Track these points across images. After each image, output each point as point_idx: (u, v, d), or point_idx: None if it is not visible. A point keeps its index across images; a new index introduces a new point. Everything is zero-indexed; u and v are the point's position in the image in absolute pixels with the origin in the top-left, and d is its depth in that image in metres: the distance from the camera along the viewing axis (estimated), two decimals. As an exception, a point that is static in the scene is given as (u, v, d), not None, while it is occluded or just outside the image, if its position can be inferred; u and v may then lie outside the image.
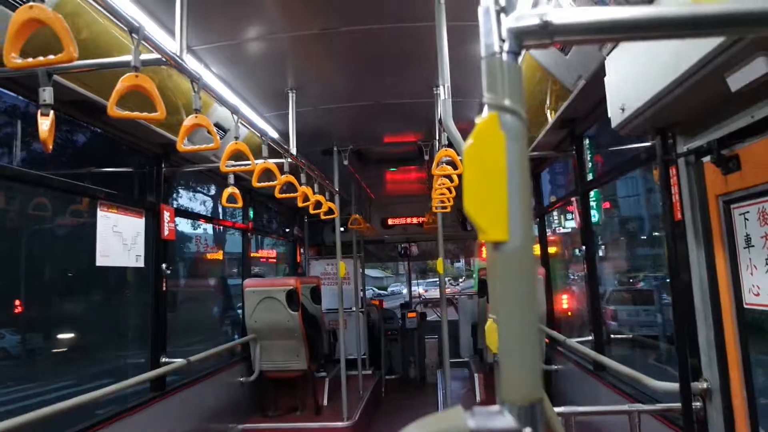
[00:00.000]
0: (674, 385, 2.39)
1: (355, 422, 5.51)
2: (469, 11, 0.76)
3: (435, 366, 8.80)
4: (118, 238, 3.64)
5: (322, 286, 7.01)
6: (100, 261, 3.48)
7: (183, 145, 2.55)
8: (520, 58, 0.68)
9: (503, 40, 0.65)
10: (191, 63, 3.29)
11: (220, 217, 8.67)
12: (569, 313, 6.21)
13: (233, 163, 3.46)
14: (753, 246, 1.94)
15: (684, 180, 2.35)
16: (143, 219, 3.96)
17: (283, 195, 3.94)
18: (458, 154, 3.40)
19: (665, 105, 1.95)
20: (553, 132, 4.13)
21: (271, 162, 3.59)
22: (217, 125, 3.94)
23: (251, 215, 6.68)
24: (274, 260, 11.67)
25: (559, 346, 5.17)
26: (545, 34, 0.66)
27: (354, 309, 8.04)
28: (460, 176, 3.41)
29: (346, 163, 5.85)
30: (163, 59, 2.22)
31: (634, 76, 2.08)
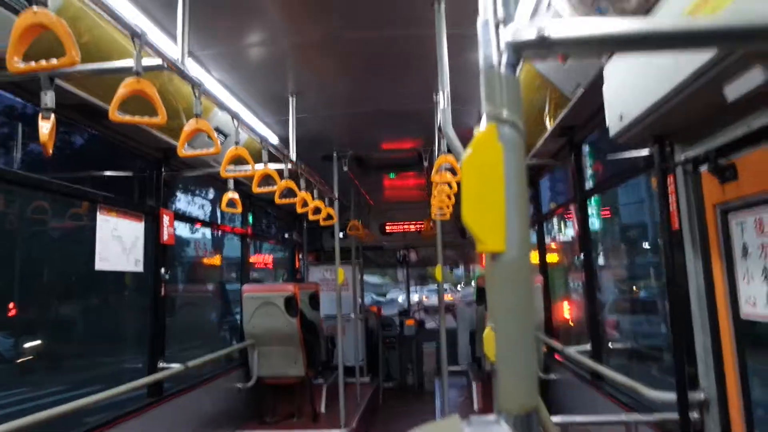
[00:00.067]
0: (671, 395, 2.39)
1: (353, 430, 5.50)
2: (469, 19, 0.77)
3: (433, 373, 8.78)
4: (118, 242, 3.64)
5: (320, 293, 7.00)
6: (99, 265, 3.48)
7: (184, 150, 2.56)
8: (518, 69, 0.69)
9: (502, 53, 0.66)
10: (192, 68, 3.30)
11: (220, 222, 8.66)
12: (570, 322, 6.21)
13: (233, 168, 3.47)
14: (750, 255, 1.94)
15: (681, 188, 2.36)
16: (143, 223, 3.96)
17: (283, 200, 3.95)
18: (458, 161, 3.41)
19: (663, 114, 1.96)
20: (552, 140, 4.14)
21: (271, 167, 3.60)
22: (217, 130, 3.95)
23: (250, 220, 6.69)
24: (273, 265, 11.67)
25: (557, 354, 5.17)
26: (543, 46, 0.67)
27: (352, 315, 8.03)
28: (459, 183, 3.42)
29: (345, 169, 5.85)
30: (165, 65, 2.23)
31: (632, 85, 2.09)
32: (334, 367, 6.78)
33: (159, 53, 2.18)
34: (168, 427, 4.07)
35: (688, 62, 1.63)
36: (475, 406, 6.24)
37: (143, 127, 3.44)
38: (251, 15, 3.08)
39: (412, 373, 9.33)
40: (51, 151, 2.21)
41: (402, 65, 3.83)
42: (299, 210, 4.28)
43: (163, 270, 4.21)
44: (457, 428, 0.60)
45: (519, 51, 0.67)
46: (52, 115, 2.22)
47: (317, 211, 4.58)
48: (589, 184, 4.54)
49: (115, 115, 2.02)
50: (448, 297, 17.57)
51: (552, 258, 6.79)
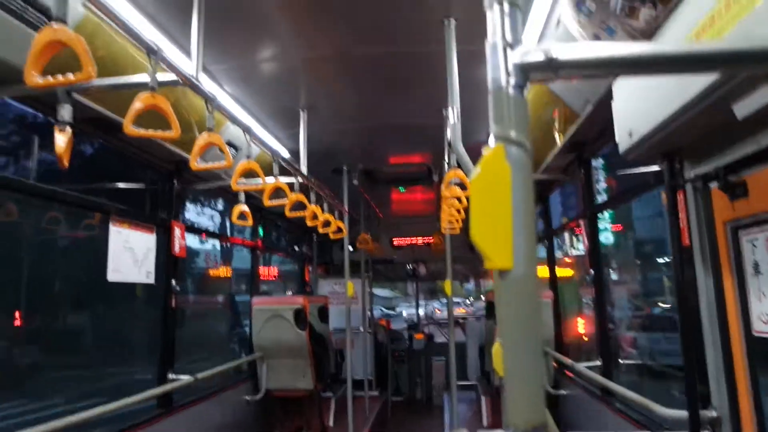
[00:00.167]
0: (683, 413, 2.36)
1: None
2: (479, 36, 0.79)
3: (442, 388, 8.73)
4: (130, 254, 3.67)
5: (330, 306, 7.01)
6: (112, 276, 3.51)
7: (196, 164, 2.59)
8: (526, 90, 0.71)
9: (510, 75, 0.68)
10: (206, 83, 3.35)
11: (230, 234, 8.69)
12: (584, 338, 6.16)
13: (244, 181, 3.50)
14: (761, 273, 1.93)
15: (692, 205, 2.36)
16: (154, 235, 3.99)
17: (294, 213, 3.98)
18: (467, 176, 3.42)
19: (672, 131, 1.96)
20: (561, 155, 4.14)
21: (282, 181, 3.63)
22: (229, 143, 4.00)
23: (261, 233, 6.72)
24: (282, 278, 11.69)
25: (567, 370, 5.13)
26: (550, 68, 0.69)
27: (361, 329, 8.02)
28: (468, 198, 3.43)
29: (355, 182, 5.88)
30: (180, 80, 2.27)
31: (641, 102, 2.09)
32: (342, 381, 6.77)
33: (174, 68, 2.22)
34: None
35: (698, 80, 1.64)
36: (485, 421, 6.20)
37: (156, 140, 3.49)
38: (263, 31, 3.13)
39: (421, 387, 9.28)
40: (67, 164, 2.25)
41: (412, 80, 3.87)
42: (309, 223, 4.30)
43: (174, 282, 4.24)
44: None
45: (527, 73, 0.68)
46: (69, 128, 2.26)
47: (327, 224, 4.60)
48: (602, 198, 4.53)
49: (129, 128, 2.05)
50: (460, 310, 17.51)
51: (563, 273, 6.76)
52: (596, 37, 2.01)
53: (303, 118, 4.30)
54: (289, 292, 10.36)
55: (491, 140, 0.67)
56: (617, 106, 2.30)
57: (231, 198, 5.58)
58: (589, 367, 4.25)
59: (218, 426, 4.84)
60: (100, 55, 2.55)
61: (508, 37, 0.68)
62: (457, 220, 4.15)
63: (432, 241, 9.58)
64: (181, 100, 3.36)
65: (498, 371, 1.78)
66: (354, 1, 2.82)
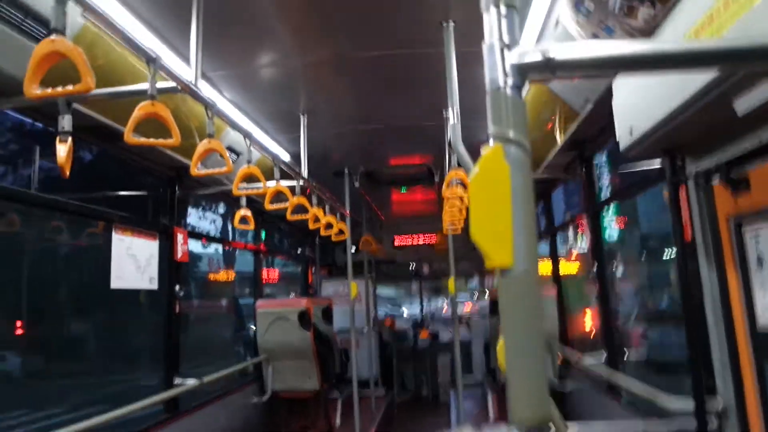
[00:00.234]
0: (689, 404, 2.37)
1: None
2: (478, 37, 0.79)
3: (448, 385, 8.73)
4: (133, 261, 3.68)
5: (334, 307, 7.02)
6: (115, 283, 3.52)
7: (197, 170, 2.60)
8: (524, 90, 0.71)
9: (507, 75, 0.68)
10: (205, 89, 3.36)
11: (233, 238, 8.70)
12: (587, 332, 6.16)
13: (245, 185, 3.51)
14: (765, 266, 1.93)
15: (694, 201, 2.36)
16: (157, 241, 4.00)
17: (295, 217, 3.98)
18: (468, 176, 3.42)
19: (673, 127, 1.96)
20: (562, 153, 4.14)
21: (283, 184, 3.63)
22: (229, 149, 4.00)
23: (263, 236, 6.73)
24: (286, 280, 11.70)
25: (573, 364, 5.13)
26: (548, 69, 0.69)
27: (366, 329, 8.02)
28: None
29: (356, 184, 5.89)
30: (179, 87, 2.27)
31: (641, 99, 2.10)
32: (348, 381, 6.77)
33: (173, 76, 2.22)
34: None
35: (698, 77, 1.64)
36: (491, 418, 6.20)
37: (157, 148, 3.49)
38: (262, 36, 3.13)
39: (427, 386, 9.27)
40: (68, 173, 2.26)
41: (412, 83, 3.87)
42: (311, 226, 4.31)
43: (177, 287, 4.25)
44: None
45: (524, 73, 0.69)
46: (69, 138, 2.27)
47: (329, 226, 4.60)
48: (605, 194, 4.54)
49: (130, 137, 2.06)
50: (467, 308, 17.47)
51: (567, 269, 6.76)
52: (595, 37, 2.01)
53: (303, 122, 4.31)
54: (293, 294, 10.38)
55: (490, 141, 0.67)
56: (617, 104, 2.30)
57: (233, 202, 5.59)
58: (595, 361, 4.25)
59: (225, 429, 4.85)
60: (99, 64, 2.56)
61: (506, 39, 0.69)
62: (459, 220, 4.15)
63: (434, 240, 9.57)
64: (181, 107, 3.37)
65: (503, 368, 1.79)
66: (352, 5, 2.82)
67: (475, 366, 8.80)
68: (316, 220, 4.30)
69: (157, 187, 4.54)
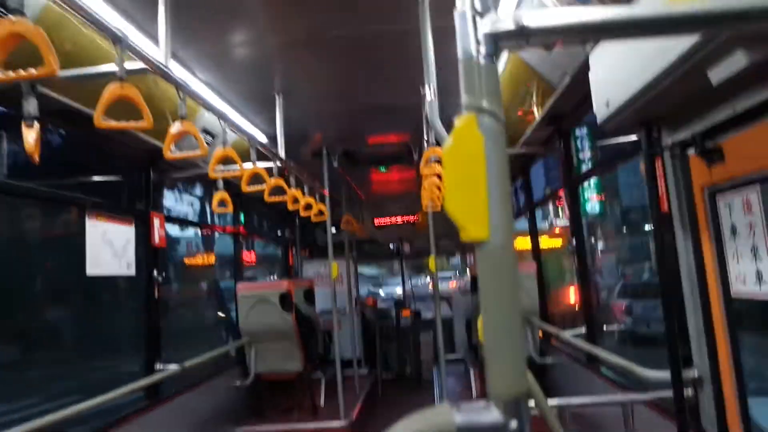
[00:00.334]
0: (666, 374, 2.41)
1: (352, 422, 5.51)
2: (454, 13, 0.78)
3: (431, 363, 8.81)
4: (109, 247, 3.62)
5: (315, 288, 7.01)
6: (91, 270, 3.46)
7: (170, 153, 2.55)
8: (503, 57, 0.70)
9: (480, 44, 0.66)
10: (177, 70, 3.28)
11: (212, 222, 8.62)
12: (566, 307, 6.25)
13: (222, 168, 3.46)
14: (738, 235, 1.96)
15: (670, 172, 2.38)
16: (133, 227, 3.94)
17: (273, 198, 3.94)
18: None
19: (649, 99, 1.97)
20: (540, 128, 4.15)
21: (260, 166, 3.59)
22: (204, 130, 3.94)
23: (242, 219, 6.67)
24: (267, 263, 11.64)
25: (553, 339, 5.20)
26: (521, 36, 0.67)
27: (348, 309, 8.04)
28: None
29: (335, 164, 5.85)
30: (148, 68, 2.22)
31: (617, 72, 2.10)
32: (332, 361, 6.80)
33: (141, 56, 2.17)
34: (168, 429, 4.07)
35: (672, 47, 1.64)
36: (474, 393, 6.28)
37: (131, 131, 3.42)
38: (233, 15, 3.06)
39: (410, 364, 9.35)
40: (38, 159, 2.20)
41: (388, 60, 3.83)
42: (290, 207, 4.27)
43: (155, 272, 4.20)
44: (448, 415, 0.61)
45: (497, 41, 0.67)
46: (36, 123, 2.20)
47: (308, 207, 4.57)
48: (584, 168, 4.57)
49: (100, 121, 2.01)
50: (452, 284, 17.59)
51: (547, 244, 6.82)
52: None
53: (279, 102, 4.25)
54: (273, 277, 10.35)
55: (463, 111, 0.66)
56: (594, 77, 2.29)
57: (211, 184, 5.53)
58: (574, 335, 4.31)
59: (209, 413, 4.85)
60: (67, 50, 2.48)
61: (477, 6, 0.67)
62: (438, 197, 4.15)
63: (415, 219, 9.59)
64: (154, 90, 3.29)
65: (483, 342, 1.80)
66: None
67: (458, 343, 8.88)
68: (295, 201, 4.26)
69: (131, 171, 4.45)
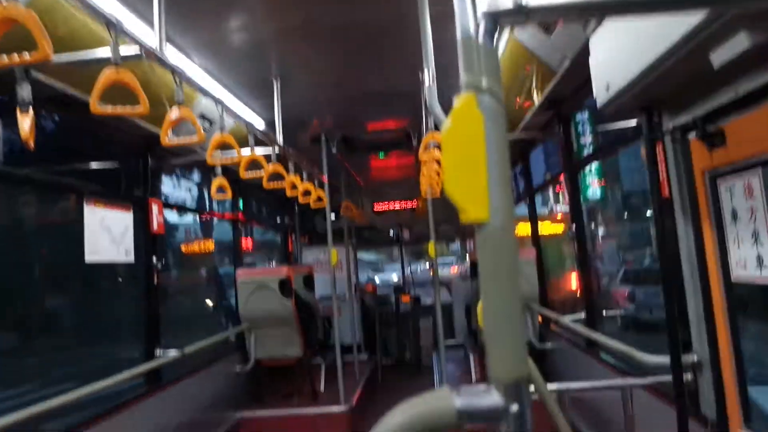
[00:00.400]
0: (665, 359, 2.41)
1: (352, 407, 5.55)
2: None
3: (431, 348, 8.84)
4: (107, 234, 3.61)
5: (315, 274, 7.02)
6: (90, 257, 3.46)
7: (168, 139, 2.53)
8: (503, 41, 0.68)
9: (479, 22, 0.65)
10: (173, 54, 3.25)
11: (211, 208, 8.60)
12: (566, 292, 6.26)
13: (220, 154, 3.44)
14: (739, 219, 1.96)
15: (671, 156, 2.37)
16: (131, 213, 3.93)
17: (271, 185, 3.93)
18: None
19: (650, 82, 1.95)
20: (540, 113, 4.12)
21: (258, 152, 3.57)
22: (202, 116, 3.91)
23: (241, 205, 6.66)
24: (266, 249, 11.64)
25: (553, 324, 5.22)
26: (520, 14, 0.66)
27: (348, 295, 8.06)
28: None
29: (334, 151, 5.82)
30: (143, 53, 2.19)
31: (618, 55, 2.07)
32: (332, 347, 6.82)
33: (136, 41, 2.14)
34: (168, 414, 4.09)
35: (674, 29, 1.62)
36: (474, 378, 6.31)
37: (127, 117, 3.40)
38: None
39: (410, 349, 9.38)
40: (34, 146, 2.18)
41: (386, 44, 3.79)
42: (289, 193, 4.26)
43: (154, 259, 4.20)
44: (448, 398, 0.60)
45: (496, 20, 0.65)
46: (31, 109, 2.18)
47: (307, 193, 4.56)
48: (585, 153, 4.55)
49: (96, 107, 1.99)
50: (453, 269, 17.62)
51: (547, 230, 6.81)
52: None
53: (276, 87, 4.21)
54: (272, 263, 10.36)
55: (462, 91, 0.64)
56: (594, 61, 2.27)
57: (210, 171, 5.51)
58: (574, 320, 4.32)
59: (209, 399, 4.87)
60: (60, 35, 2.45)
61: (476, -17, 0.65)
62: (437, 183, 4.14)
63: (414, 205, 9.58)
64: (151, 76, 3.26)
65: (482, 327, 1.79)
66: None
67: (458, 329, 8.91)
68: (294, 187, 4.25)
69: (129, 158, 4.43)
